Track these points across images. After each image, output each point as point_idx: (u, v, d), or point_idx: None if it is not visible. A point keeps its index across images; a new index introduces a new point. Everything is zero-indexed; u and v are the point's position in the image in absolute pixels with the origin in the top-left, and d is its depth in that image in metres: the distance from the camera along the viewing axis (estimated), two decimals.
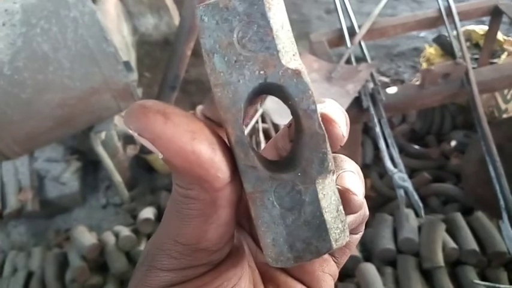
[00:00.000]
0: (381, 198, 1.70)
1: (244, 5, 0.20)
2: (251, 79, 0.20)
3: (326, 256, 0.27)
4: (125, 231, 1.48)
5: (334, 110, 0.23)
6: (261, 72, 0.20)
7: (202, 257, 0.22)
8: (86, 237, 1.47)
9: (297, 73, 0.21)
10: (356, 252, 1.32)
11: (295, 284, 0.27)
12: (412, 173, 1.71)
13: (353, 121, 1.33)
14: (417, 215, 1.35)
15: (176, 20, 2.09)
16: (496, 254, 1.28)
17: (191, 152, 0.19)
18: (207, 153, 0.19)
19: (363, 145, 1.79)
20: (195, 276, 0.22)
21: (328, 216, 0.22)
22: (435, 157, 1.79)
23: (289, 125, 0.25)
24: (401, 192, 1.21)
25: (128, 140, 1.78)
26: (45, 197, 1.73)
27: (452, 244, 1.30)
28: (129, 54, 1.83)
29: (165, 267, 0.22)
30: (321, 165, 0.21)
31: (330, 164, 0.22)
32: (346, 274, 1.32)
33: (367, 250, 1.37)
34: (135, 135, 0.19)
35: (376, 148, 1.68)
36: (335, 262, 0.28)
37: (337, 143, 0.23)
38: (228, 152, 0.21)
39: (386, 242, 1.32)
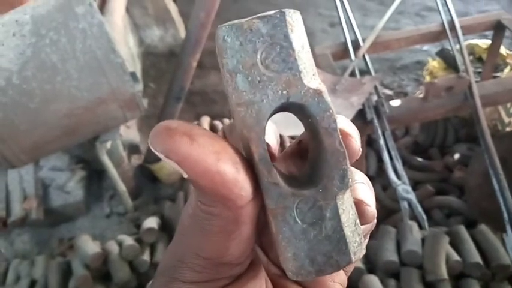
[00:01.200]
0: (384, 211, 1.70)
1: (267, 26, 0.21)
2: (274, 99, 0.21)
3: None
4: (129, 241, 1.48)
5: (348, 124, 0.24)
6: (284, 92, 0.21)
7: (224, 270, 0.23)
8: (89, 246, 1.48)
9: (318, 93, 0.21)
10: (359, 264, 1.32)
11: None
12: (415, 185, 1.71)
13: None
14: (421, 227, 1.35)
15: (182, 32, 2.12)
16: (500, 267, 1.28)
17: (216, 173, 0.19)
18: (231, 172, 0.20)
19: (366, 157, 1.80)
20: None
21: (347, 231, 0.22)
22: (439, 170, 1.80)
23: (298, 142, 0.26)
24: (405, 204, 1.22)
25: (132, 149, 1.79)
26: (50, 205, 1.73)
27: (456, 257, 1.30)
28: (135, 66, 1.85)
29: (187, 280, 0.23)
30: (341, 181, 0.22)
31: (350, 180, 0.22)
32: (349, 286, 1.30)
33: (371, 262, 1.37)
34: (162, 156, 0.20)
35: (380, 160, 1.68)
36: (344, 271, 0.28)
37: (354, 157, 0.23)
38: (250, 169, 0.21)
39: (390, 254, 1.32)
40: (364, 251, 0.24)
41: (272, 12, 0.21)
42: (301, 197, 0.22)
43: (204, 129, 0.21)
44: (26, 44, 1.24)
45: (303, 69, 0.21)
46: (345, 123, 0.23)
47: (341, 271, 0.28)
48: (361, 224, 0.24)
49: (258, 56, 0.21)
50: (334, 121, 0.22)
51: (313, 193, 0.22)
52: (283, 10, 0.21)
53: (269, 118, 0.22)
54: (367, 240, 0.26)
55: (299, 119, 0.23)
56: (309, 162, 0.25)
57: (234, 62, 0.21)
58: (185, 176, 0.20)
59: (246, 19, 0.21)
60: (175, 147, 0.19)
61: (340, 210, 0.22)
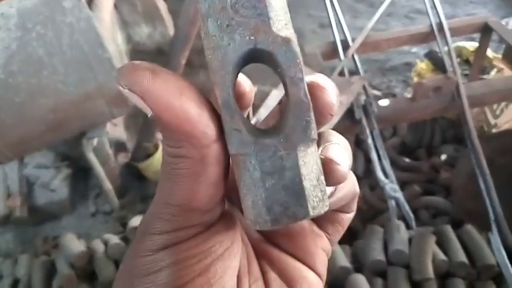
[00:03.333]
0: (372, 211, 1.71)
1: None
2: (241, 44, 0.21)
3: (319, 232, 0.27)
4: (114, 239, 1.47)
5: (324, 79, 0.23)
6: (251, 37, 0.21)
7: (194, 217, 0.23)
8: (74, 245, 1.46)
9: (286, 41, 0.21)
10: (347, 263, 1.32)
11: (289, 259, 0.27)
12: (402, 185, 1.72)
13: (345, 132, 1.35)
14: (408, 227, 1.36)
15: (170, 30, 2.10)
16: (485, 267, 1.29)
17: (179, 107, 0.20)
18: (194, 108, 0.20)
19: (354, 157, 1.80)
20: (187, 237, 0.23)
21: (307, 184, 0.22)
22: (425, 170, 1.81)
23: (280, 102, 0.26)
24: (392, 202, 1.22)
25: (119, 147, 1.78)
26: (34, 203, 1.71)
27: (442, 256, 1.30)
28: (122, 63, 1.83)
29: (157, 231, 0.23)
30: (303, 132, 0.22)
31: (313, 132, 0.22)
32: (336, 285, 1.31)
33: (358, 261, 1.37)
34: (126, 91, 0.20)
35: (368, 161, 1.69)
36: (328, 239, 0.28)
37: (327, 111, 0.23)
38: (215, 113, 0.22)
39: (377, 254, 1.32)
40: (326, 209, 0.23)
41: None
42: (262, 145, 0.22)
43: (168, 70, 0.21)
44: (11, 38, 1.22)
45: (273, 17, 0.21)
46: (320, 78, 0.23)
47: (325, 238, 0.28)
48: (331, 184, 0.23)
49: (228, 0, 0.21)
50: (301, 71, 0.22)
51: (275, 142, 0.22)
52: None
53: (237, 65, 0.21)
54: (334, 200, 0.25)
55: (273, 71, 0.23)
56: (280, 115, 0.24)
57: (206, 6, 0.21)
58: (149, 114, 0.20)
59: None
60: (138, 80, 0.19)
61: (301, 162, 0.22)
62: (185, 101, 0.20)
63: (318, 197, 0.23)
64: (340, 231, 0.28)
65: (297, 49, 0.22)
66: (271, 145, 0.22)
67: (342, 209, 0.27)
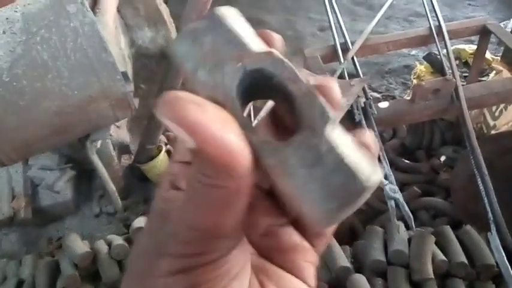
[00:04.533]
0: (371, 211, 1.72)
1: (204, 23, 0.24)
2: (234, 72, 0.23)
3: (307, 246, 0.28)
4: (118, 240, 1.48)
5: (326, 78, 0.25)
6: (239, 64, 0.23)
7: (218, 243, 0.23)
8: (78, 246, 1.47)
9: (269, 53, 0.24)
10: (347, 263, 1.33)
11: (283, 273, 0.28)
12: (402, 187, 1.74)
13: None
14: (408, 227, 1.37)
15: (173, 33, 2.12)
16: (484, 267, 1.30)
17: (224, 140, 0.20)
18: (237, 142, 0.21)
19: None
20: (208, 262, 0.23)
21: (350, 160, 0.23)
22: (425, 172, 1.82)
23: (270, 112, 0.27)
24: (392, 203, 1.24)
25: (122, 149, 1.79)
26: (38, 205, 1.72)
27: (441, 257, 1.32)
28: (125, 66, 1.85)
29: (177, 254, 0.23)
30: (321, 116, 0.23)
31: (329, 111, 0.23)
32: (337, 285, 1.33)
33: (358, 261, 1.38)
34: (170, 123, 0.20)
35: None
36: (314, 250, 0.29)
37: (334, 104, 0.24)
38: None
39: (377, 254, 1.34)
40: (379, 174, 0.24)
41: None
42: (294, 143, 0.23)
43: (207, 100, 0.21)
44: (16, 42, 1.23)
45: (248, 42, 0.24)
46: (323, 78, 0.25)
47: (311, 251, 0.28)
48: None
49: (206, 48, 0.23)
50: (292, 69, 0.23)
51: (303, 137, 0.23)
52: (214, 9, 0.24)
53: (239, 92, 0.23)
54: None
55: (272, 94, 0.25)
56: (290, 118, 0.25)
57: (190, 63, 0.23)
58: (191, 145, 0.20)
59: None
60: (186, 114, 0.20)
61: (334, 144, 0.23)
62: (229, 134, 0.20)
63: (365, 168, 0.23)
64: (324, 241, 0.29)
65: (281, 56, 0.24)
66: (302, 140, 0.23)
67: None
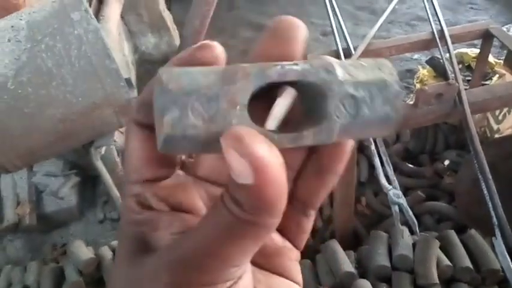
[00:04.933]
0: (376, 216, 1.72)
1: (157, 92, 0.22)
2: (244, 92, 0.23)
3: (289, 246, 0.29)
4: None
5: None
6: (247, 79, 0.23)
7: (235, 272, 0.23)
8: (82, 252, 1.47)
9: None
10: (351, 268, 1.33)
11: (271, 275, 0.28)
12: (406, 191, 1.74)
13: None
14: (412, 232, 1.37)
15: (176, 39, 2.13)
16: (489, 272, 1.30)
17: (281, 183, 0.20)
18: (286, 186, 0.21)
19: (358, 163, 1.82)
20: None
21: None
22: (429, 176, 1.82)
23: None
24: (396, 208, 1.23)
25: None
26: (43, 211, 1.73)
27: (446, 261, 1.31)
28: (129, 72, 1.86)
29: (195, 282, 0.22)
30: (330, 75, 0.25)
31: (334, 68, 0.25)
32: None
33: (363, 267, 1.38)
34: (234, 156, 0.20)
35: (371, 167, 1.70)
36: (296, 248, 0.30)
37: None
38: None
39: (382, 259, 1.33)
40: (402, 101, 0.26)
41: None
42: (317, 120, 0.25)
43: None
44: (21, 50, 1.24)
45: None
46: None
47: (294, 250, 0.29)
48: None
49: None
50: (278, 73, 0.24)
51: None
52: (159, 75, 0.22)
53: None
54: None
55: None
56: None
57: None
58: (246, 180, 0.20)
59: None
60: (260, 153, 0.20)
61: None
62: (285, 178, 0.20)
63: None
64: (305, 238, 0.30)
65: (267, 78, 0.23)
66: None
67: (304, 212, 0.29)
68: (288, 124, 0.26)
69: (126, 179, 0.27)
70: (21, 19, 1.28)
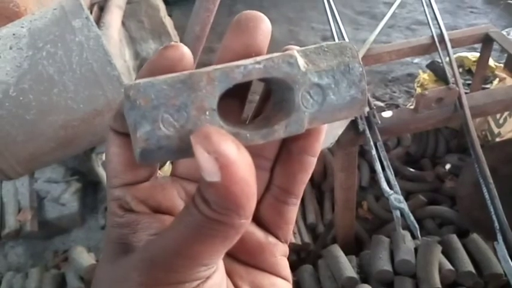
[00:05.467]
0: (377, 221, 1.72)
1: (127, 105, 0.23)
2: (209, 98, 0.24)
3: (274, 240, 0.29)
4: None
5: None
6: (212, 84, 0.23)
7: (204, 271, 0.23)
8: (84, 258, 1.47)
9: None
10: (353, 273, 1.33)
11: (255, 271, 0.28)
12: (407, 195, 1.73)
13: (349, 144, 1.37)
14: (413, 237, 1.36)
15: None
16: (492, 276, 1.29)
17: (249, 182, 0.21)
18: (255, 187, 0.21)
19: (359, 168, 1.82)
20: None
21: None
22: (430, 180, 1.82)
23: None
24: (397, 213, 1.23)
25: None
26: (44, 217, 1.73)
27: (448, 266, 1.31)
28: (131, 78, 1.87)
29: (163, 282, 0.23)
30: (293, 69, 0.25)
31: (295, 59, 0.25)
32: None
33: (365, 272, 1.38)
34: (203, 154, 0.20)
35: (373, 171, 1.70)
36: (281, 241, 0.30)
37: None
38: None
39: (384, 264, 1.33)
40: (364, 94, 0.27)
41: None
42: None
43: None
44: (23, 57, 1.25)
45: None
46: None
47: (280, 245, 0.29)
48: None
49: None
50: (235, 72, 0.24)
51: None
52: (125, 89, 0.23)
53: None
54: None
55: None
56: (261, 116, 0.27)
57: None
58: (213, 178, 0.20)
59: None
60: (226, 151, 0.20)
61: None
62: (253, 179, 0.21)
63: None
64: (289, 230, 0.30)
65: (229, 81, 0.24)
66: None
67: (285, 200, 0.29)
68: (260, 119, 0.27)
69: (108, 184, 0.27)
70: (22, 27, 1.29)
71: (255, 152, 0.24)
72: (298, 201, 0.29)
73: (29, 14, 1.39)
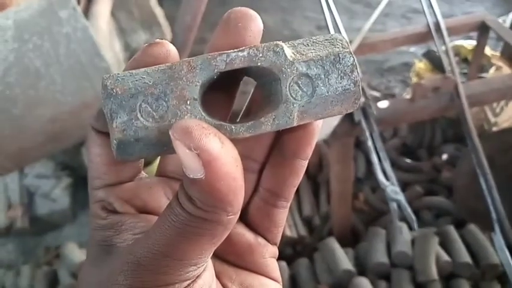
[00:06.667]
0: (374, 212, 1.71)
1: (105, 100, 0.22)
2: (192, 86, 0.22)
3: (263, 242, 0.28)
4: None
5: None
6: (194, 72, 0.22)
7: (192, 271, 0.22)
8: (76, 255, 1.46)
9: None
10: (350, 266, 1.32)
11: (245, 272, 0.28)
12: (404, 186, 1.72)
13: (345, 135, 1.34)
14: (410, 228, 1.35)
15: (168, 36, 2.11)
16: (489, 266, 1.29)
17: (234, 178, 0.20)
18: (242, 181, 0.20)
19: (355, 159, 1.80)
20: None
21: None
22: (427, 170, 1.80)
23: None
24: (394, 205, 1.21)
25: None
26: (35, 213, 1.71)
27: (445, 257, 1.30)
28: (120, 70, 1.84)
29: (151, 284, 0.22)
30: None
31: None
32: None
33: (361, 264, 1.37)
34: (184, 150, 0.19)
35: (369, 162, 1.69)
36: (271, 243, 0.29)
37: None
38: None
39: (380, 256, 1.32)
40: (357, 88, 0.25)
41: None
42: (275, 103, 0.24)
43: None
44: (8, 50, 1.22)
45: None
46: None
47: (269, 246, 0.28)
48: None
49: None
50: (218, 61, 0.23)
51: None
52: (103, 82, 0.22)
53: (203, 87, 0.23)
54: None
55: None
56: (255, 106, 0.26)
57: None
58: (197, 175, 0.19)
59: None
60: (209, 146, 0.19)
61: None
62: (239, 173, 0.20)
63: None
64: (279, 233, 0.29)
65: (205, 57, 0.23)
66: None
67: (274, 203, 0.28)
68: (249, 113, 0.26)
69: (90, 185, 0.26)
70: (8, 19, 1.25)
71: (243, 154, 0.23)
72: (288, 204, 0.28)
73: (14, 5, 1.35)
